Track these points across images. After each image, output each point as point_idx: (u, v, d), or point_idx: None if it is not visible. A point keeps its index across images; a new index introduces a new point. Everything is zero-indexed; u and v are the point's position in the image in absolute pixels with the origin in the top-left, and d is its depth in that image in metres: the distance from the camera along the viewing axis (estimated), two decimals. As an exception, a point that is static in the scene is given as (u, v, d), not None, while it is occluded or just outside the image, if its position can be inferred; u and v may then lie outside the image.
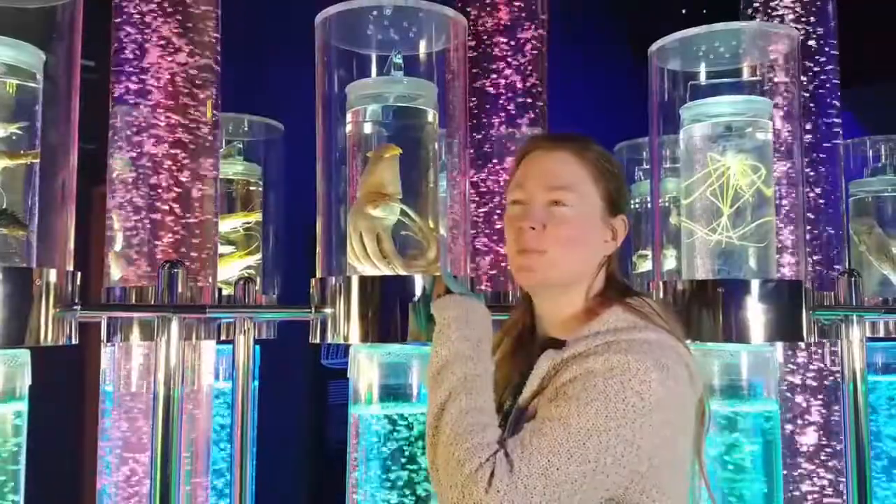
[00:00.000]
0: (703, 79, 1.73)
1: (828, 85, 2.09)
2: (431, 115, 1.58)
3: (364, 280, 1.49)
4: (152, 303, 1.67)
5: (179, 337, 1.58)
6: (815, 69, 2.09)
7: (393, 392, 1.52)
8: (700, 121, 1.72)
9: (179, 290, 1.63)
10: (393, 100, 1.55)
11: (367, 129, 1.58)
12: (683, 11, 4.94)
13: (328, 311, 1.54)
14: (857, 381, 1.73)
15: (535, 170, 1.26)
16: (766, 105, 1.69)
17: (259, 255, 2.30)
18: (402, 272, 1.51)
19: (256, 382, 2.32)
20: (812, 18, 2.07)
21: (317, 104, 1.66)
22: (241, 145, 2.32)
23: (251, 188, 2.32)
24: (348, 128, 1.60)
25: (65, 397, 3.11)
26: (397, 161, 1.53)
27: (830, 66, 2.08)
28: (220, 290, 1.86)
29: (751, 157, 1.65)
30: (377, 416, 1.53)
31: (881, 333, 2.19)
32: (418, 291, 1.47)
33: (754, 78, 1.69)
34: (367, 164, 1.54)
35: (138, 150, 1.75)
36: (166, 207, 1.76)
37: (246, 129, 2.35)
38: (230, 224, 2.26)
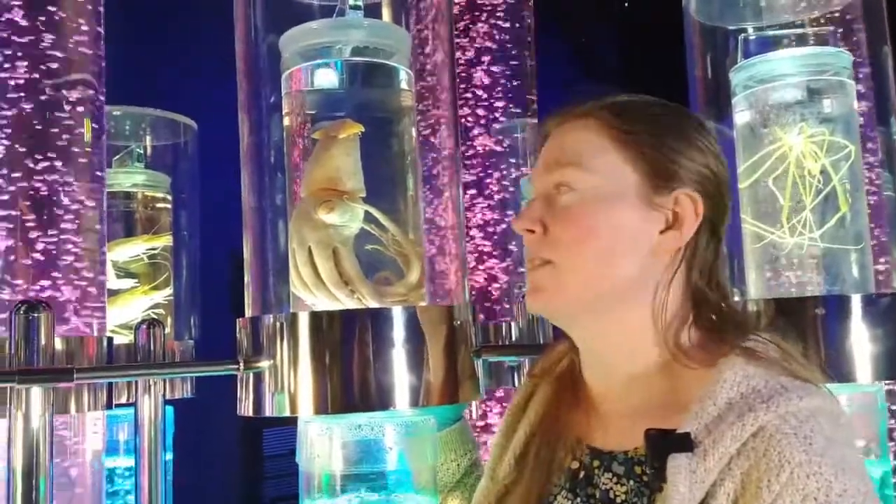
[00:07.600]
0: (758, 31, 1.30)
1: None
2: (406, 79, 1.10)
3: (317, 318, 1.00)
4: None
5: (44, 409, 1.10)
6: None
7: (366, 481, 1.03)
8: (753, 87, 1.29)
9: (43, 342, 1.14)
10: (350, 53, 1.06)
11: (311, 99, 1.10)
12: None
13: (264, 364, 1.05)
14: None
15: (544, 153, 0.90)
16: (844, 60, 1.26)
17: (169, 290, 1.80)
18: (372, 304, 1.03)
19: (170, 455, 1.81)
20: None
21: (238, 73, 1.18)
22: (141, 150, 1.82)
23: (157, 204, 1.83)
24: (284, 99, 1.11)
25: None
26: (357, 144, 1.06)
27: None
28: (110, 339, 1.35)
29: (835, 131, 1.22)
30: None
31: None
32: (398, 330, 1.00)
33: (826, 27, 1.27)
34: (315, 149, 1.06)
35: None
36: (27, 226, 1.24)
37: (149, 128, 1.85)
38: (130, 251, 1.76)
